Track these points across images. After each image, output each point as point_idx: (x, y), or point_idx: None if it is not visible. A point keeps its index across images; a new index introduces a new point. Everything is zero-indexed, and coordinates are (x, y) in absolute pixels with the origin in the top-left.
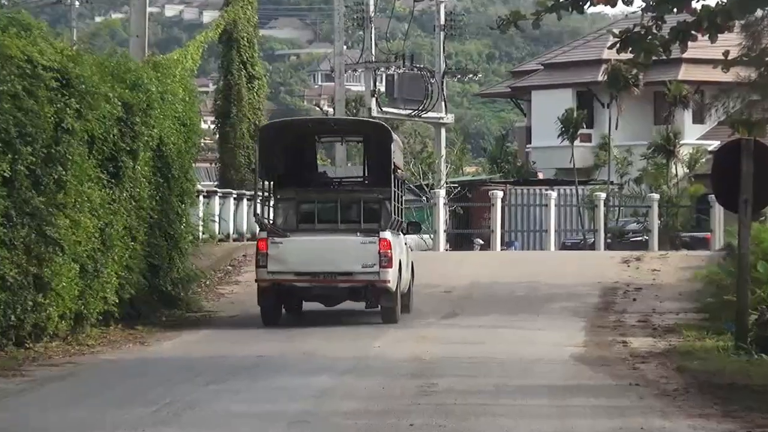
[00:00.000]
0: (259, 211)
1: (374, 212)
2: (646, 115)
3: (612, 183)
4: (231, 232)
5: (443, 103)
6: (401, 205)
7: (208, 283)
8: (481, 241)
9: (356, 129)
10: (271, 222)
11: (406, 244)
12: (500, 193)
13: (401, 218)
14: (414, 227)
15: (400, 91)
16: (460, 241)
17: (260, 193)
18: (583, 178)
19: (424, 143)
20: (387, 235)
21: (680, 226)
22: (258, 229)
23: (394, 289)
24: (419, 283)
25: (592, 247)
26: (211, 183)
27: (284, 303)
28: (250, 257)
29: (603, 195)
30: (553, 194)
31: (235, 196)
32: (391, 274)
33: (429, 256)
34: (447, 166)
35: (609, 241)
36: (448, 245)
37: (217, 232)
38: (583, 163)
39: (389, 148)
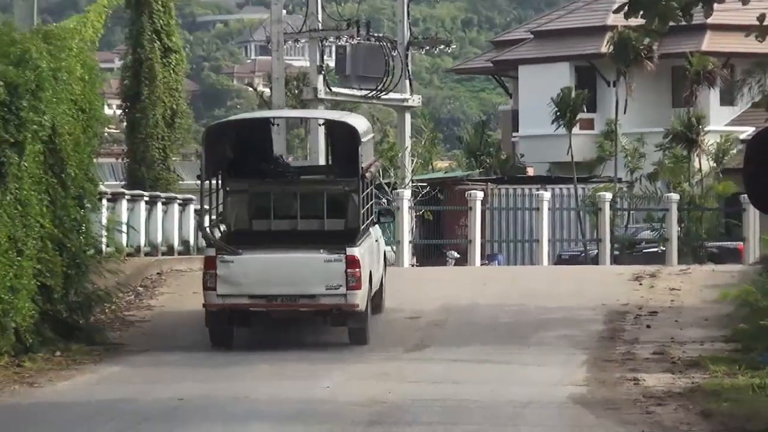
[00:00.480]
0: (206, 223)
1: (339, 207)
2: (662, 95)
3: (620, 180)
4: (142, 244)
5: (408, 81)
6: (372, 199)
7: (113, 308)
8: (457, 254)
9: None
10: (220, 224)
11: (377, 241)
12: (480, 194)
13: (372, 215)
14: (386, 215)
15: (354, 67)
16: (430, 253)
17: (207, 202)
18: (583, 174)
19: (384, 131)
20: (355, 251)
21: (705, 233)
22: (204, 244)
23: (363, 309)
24: None
25: (595, 260)
26: (118, 183)
27: (237, 323)
28: (166, 275)
29: (608, 195)
30: (547, 195)
31: (147, 199)
32: (360, 296)
33: (391, 272)
34: (413, 161)
35: (616, 253)
36: (414, 259)
37: (124, 245)
38: (584, 156)
39: (356, 151)
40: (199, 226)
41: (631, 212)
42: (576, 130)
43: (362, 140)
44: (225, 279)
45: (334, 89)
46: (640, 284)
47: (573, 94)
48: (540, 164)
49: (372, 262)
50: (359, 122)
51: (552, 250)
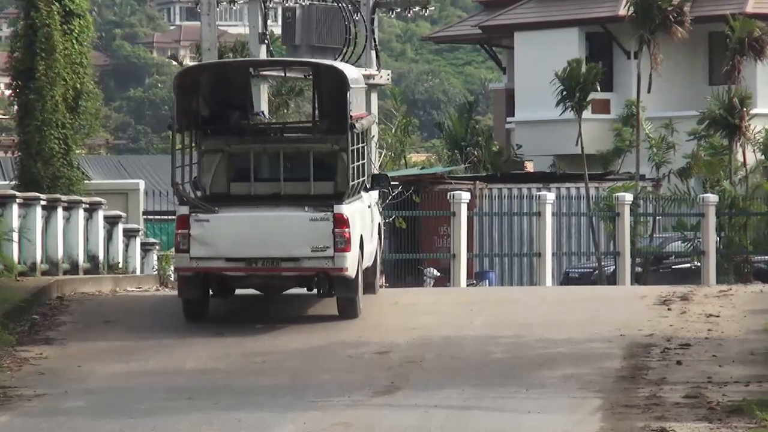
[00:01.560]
0: (178, 178)
1: (328, 168)
2: (696, 69)
3: (643, 178)
4: (39, 260)
5: (374, 52)
6: (364, 158)
7: (2, 341)
8: (437, 272)
9: (300, 71)
10: (195, 188)
11: (369, 208)
12: (466, 196)
13: (363, 175)
14: (381, 181)
15: (306, 35)
16: (402, 271)
17: (179, 154)
18: (597, 170)
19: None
20: (344, 209)
21: (751, 245)
22: (177, 202)
23: (353, 276)
24: (336, 341)
25: (612, 279)
26: (7, 183)
27: (213, 290)
28: (69, 300)
29: (628, 197)
30: (550, 197)
31: (44, 203)
32: (349, 260)
33: None
34: (381, 153)
35: (639, 270)
36: (383, 279)
37: (16, 261)
38: (598, 147)
39: (345, 99)
40: (172, 181)
41: (658, 218)
42: (587, 113)
43: (351, 86)
44: (199, 240)
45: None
46: (669, 309)
47: (583, 69)
48: (542, 158)
49: (364, 228)
50: (348, 69)
51: (557, 266)
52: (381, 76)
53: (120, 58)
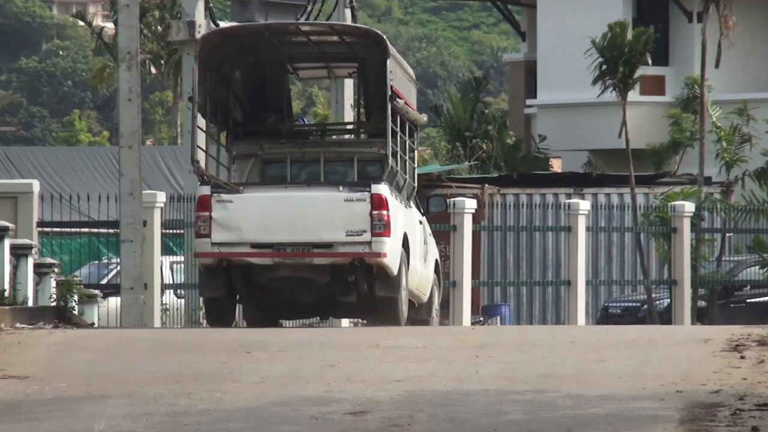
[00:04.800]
0: (199, 157)
1: (373, 175)
2: None
3: (709, 181)
4: None
5: (348, 10)
6: (413, 162)
7: None
8: None
9: (339, 48)
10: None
11: (421, 223)
12: (471, 204)
13: (414, 181)
14: (437, 202)
15: None
16: None
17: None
18: (646, 171)
19: (308, 96)
20: (382, 189)
21: None
22: (198, 182)
23: (395, 270)
24: (296, 396)
25: (666, 316)
26: None
27: (240, 292)
28: None
29: (689, 207)
30: (584, 206)
31: None
32: (389, 246)
33: (320, 337)
34: None
35: (703, 303)
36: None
37: None
38: (648, 140)
39: (384, 67)
40: (192, 159)
41: (728, 235)
42: (634, 95)
43: (391, 53)
44: (222, 223)
45: (223, 24)
46: (742, 357)
47: (630, 35)
48: (573, 153)
49: (412, 232)
50: (389, 46)
51: (594, 298)
52: None
53: (8, 16)
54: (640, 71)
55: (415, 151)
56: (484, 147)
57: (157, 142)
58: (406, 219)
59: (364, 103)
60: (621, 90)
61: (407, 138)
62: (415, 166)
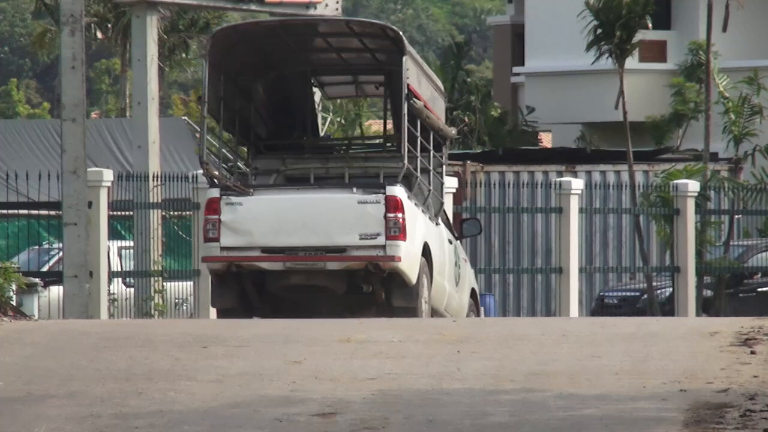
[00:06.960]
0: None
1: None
2: None
3: (715, 158)
4: None
5: None
6: (440, 177)
7: None
8: None
9: (361, 55)
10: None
11: (452, 243)
12: (451, 182)
13: (441, 197)
14: (471, 226)
15: None
16: None
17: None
18: (646, 146)
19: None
20: (397, 191)
21: None
22: (207, 184)
23: (413, 278)
24: (259, 396)
25: (668, 307)
26: None
27: (253, 303)
28: None
29: (693, 186)
30: (577, 185)
31: None
32: (404, 250)
33: (284, 330)
34: (326, 120)
35: (709, 293)
36: None
37: None
38: (648, 112)
39: (400, 65)
40: (200, 161)
41: (736, 218)
42: (633, 62)
43: (407, 50)
44: (231, 226)
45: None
46: (753, 353)
47: None
48: (564, 126)
49: (437, 246)
50: (406, 43)
51: (588, 287)
52: (326, 4)
53: None
54: (639, 35)
55: (443, 166)
56: (467, 120)
57: (103, 115)
58: (427, 229)
59: (392, 117)
60: (618, 56)
61: (430, 146)
62: (443, 181)
